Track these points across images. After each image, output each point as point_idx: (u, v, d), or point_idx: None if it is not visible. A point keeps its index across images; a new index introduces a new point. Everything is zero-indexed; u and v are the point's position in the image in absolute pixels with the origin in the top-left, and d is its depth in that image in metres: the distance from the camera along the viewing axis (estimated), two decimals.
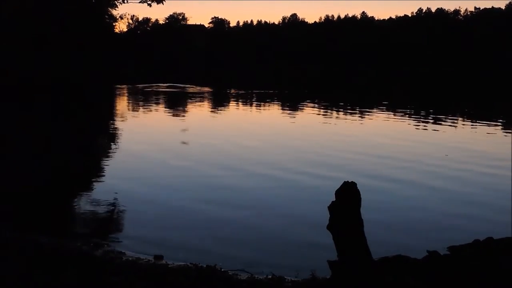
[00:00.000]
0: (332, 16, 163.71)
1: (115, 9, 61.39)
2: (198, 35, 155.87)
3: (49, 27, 39.29)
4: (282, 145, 20.31)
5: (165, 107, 39.19)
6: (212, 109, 38.20)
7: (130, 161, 16.89)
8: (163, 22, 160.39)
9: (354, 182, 6.38)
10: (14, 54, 35.81)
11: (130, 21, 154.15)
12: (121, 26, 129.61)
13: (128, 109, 37.53)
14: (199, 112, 35.93)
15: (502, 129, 27.00)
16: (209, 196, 12.49)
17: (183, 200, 12.12)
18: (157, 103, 42.34)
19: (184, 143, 21.30)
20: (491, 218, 10.98)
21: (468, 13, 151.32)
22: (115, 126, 27.44)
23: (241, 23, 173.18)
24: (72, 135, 23.23)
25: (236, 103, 43.91)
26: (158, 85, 63.88)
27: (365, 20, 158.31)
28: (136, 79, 69.79)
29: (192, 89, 60.11)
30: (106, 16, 62.59)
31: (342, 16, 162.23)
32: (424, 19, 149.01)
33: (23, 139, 21.30)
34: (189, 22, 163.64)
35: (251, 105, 42.48)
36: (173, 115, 32.66)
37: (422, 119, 31.73)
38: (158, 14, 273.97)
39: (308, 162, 16.75)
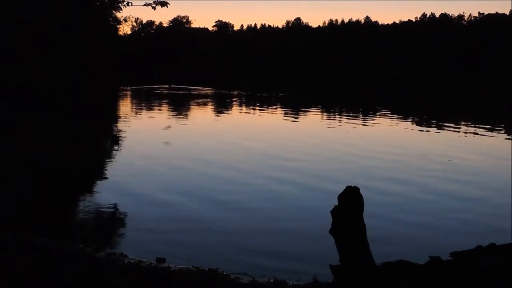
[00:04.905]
0: (336, 20, 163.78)
1: (119, 12, 61.60)
2: (201, 38, 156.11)
3: (53, 30, 39.33)
4: (283, 148, 20.32)
5: (169, 109, 39.22)
6: (217, 111, 38.23)
7: (132, 163, 16.91)
8: (167, 25, 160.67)
9: (357, 187, 6.37)
10: (16, 58, 35.81)
11: (134, 24, 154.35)
12: (125, 29, 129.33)
13: (132, 111, 37.58)
14: (203, 113, 35.97)
15: (504, 133, 26.95)
16: (212, 199, 12.49)
17: (186, 203, 12.12)
18: (161, 105, 42.40)
19: (186, 144, 21.30)
20: (494, 224, 10.95)
21: (472, 18, 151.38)
22: (118, 127, 27.47)
23: (245, 27, 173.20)
24: (75, 136, 23.27)
25: (239, 106, 43.94)
26: (162, 87, 64.07)
27: (369, 25, 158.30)
28: (139, 81, 69.92)
29: (195, 91, 60.31)
30: (110, 19, 62.74)
31: (346, 21, 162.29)
32: (428, 24, 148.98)
33: (25, 140, 21.34)
34: (193, 25, 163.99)
35: (253, 107, 42.51)
36: (178, 117, 32.69)
37: (425, 124, 31.71)
38: (162, 17, 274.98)
39: (310, 165, 16.75)
